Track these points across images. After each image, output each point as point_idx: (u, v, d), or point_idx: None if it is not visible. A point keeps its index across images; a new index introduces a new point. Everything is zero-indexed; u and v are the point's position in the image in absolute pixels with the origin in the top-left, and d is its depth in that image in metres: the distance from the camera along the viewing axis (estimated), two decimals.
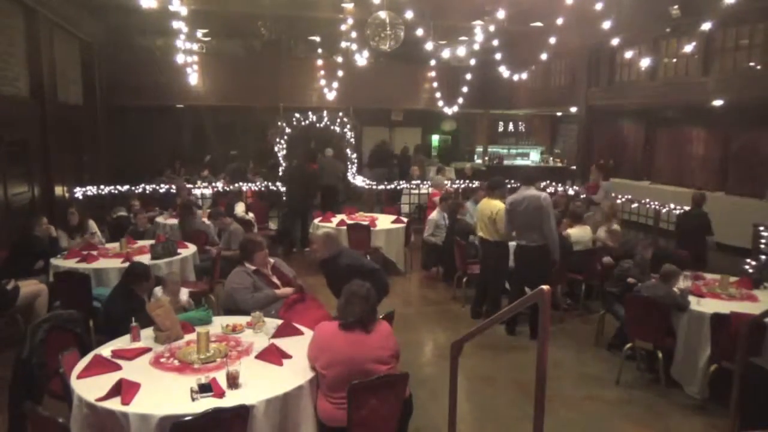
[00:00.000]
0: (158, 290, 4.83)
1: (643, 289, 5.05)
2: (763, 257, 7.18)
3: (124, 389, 2.93)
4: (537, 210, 5.79)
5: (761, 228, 7.41)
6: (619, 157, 14.57)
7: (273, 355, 3.41)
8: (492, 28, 8.81)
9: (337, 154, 13.03)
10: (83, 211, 7.71)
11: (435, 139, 17.93)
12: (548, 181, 11.11)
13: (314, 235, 5.12)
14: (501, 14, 7.40)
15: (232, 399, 2.93)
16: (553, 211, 6.02)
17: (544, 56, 9.43)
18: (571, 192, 11.06)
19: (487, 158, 16.24)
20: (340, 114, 12.75)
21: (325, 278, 5.07)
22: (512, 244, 6.57)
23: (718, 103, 9.66)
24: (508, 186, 7.48)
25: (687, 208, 8.50)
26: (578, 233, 6.84)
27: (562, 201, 8.58)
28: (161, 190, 10.46)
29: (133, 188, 10.42)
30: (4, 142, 7.48)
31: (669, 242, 8.38)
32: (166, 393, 3.01)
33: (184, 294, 4.91)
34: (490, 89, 14.29)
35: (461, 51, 10.42)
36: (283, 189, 10.68)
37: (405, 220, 8.76)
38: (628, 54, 10.62)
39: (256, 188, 11.22)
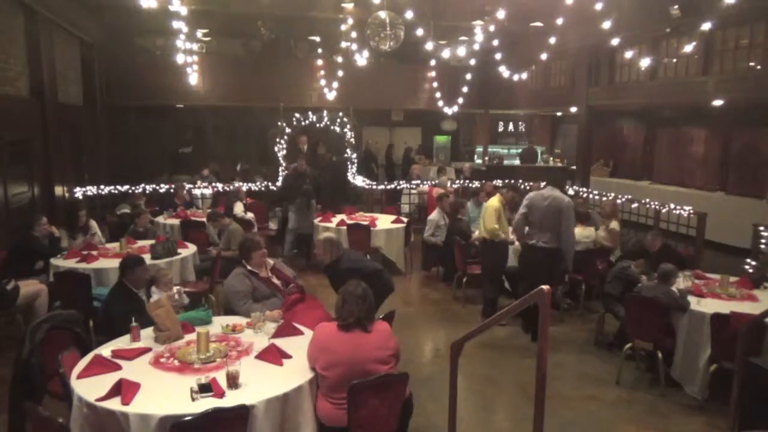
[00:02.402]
0: (155, 289, 4.81)
1: (644, 289, 5.05)
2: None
3: (124, 389, 2.93)
4: (558, 212, 5.74)
5: (761, 228, 7.40)
6: (619, 157, 14.59)
7: (273, 355, 3.41)
8: (492, 28, 8.80)
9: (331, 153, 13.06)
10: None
11: (436, 139, 17.93)
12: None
13: (317, 240, 5.20)
14: (501, 14, 7.39)
15: (232, 399, 2.93)
16: (573, 218, 5.99)
17: (544, 56, 9.43)
18: (571, 192, 11.07)
19: (487, 158, 16.24)
20: (340, 114, 12.74)
21: (331, 284, 5.11)
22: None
23: (718, 103, 9.65)
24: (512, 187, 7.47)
25: (688, 207, 8.52)
26: (581, 233, 6.84)
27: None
28: (161, 190, 10.46)
29: (133, 188, 10.42)
30: (5, 142, 7.48)
31: (669, 242, 8.38)
32: (166, 393, 3.01)
33: (176, 290, 4.90)
34: (490, 89, 14.28)
35: (461, 51, 10.41)
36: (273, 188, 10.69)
37: (405, 220, 8.76)
38: (628, 54, 10.60)
39: (256, 188, 11.22)
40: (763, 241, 7.29)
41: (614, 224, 7.20)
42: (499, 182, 10.94)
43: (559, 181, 6.16)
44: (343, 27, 9.92)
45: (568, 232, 5.83)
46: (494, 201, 6.34)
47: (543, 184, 6.39)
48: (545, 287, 2.59)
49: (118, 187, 10.50)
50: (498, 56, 10.11)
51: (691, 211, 8.36)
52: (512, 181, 7.02)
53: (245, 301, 4.39)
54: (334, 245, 5.02)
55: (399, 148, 16.85)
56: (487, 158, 16.24)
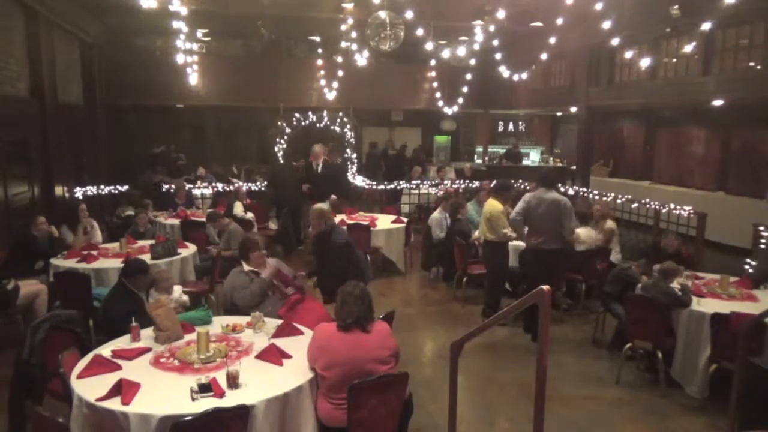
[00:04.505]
0: (155, 292, 4.81)
1: (643, 288, 5.05)
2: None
3: (124, 389, 2.93)
4: (556, 214, 5.73)
5: (761, 228, 7.40)
6: (619, 157, 14.59)
7: (273, 355, 3.41)
8: (492, 28, 8.80)
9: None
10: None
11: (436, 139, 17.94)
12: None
13: (311, 210, 5.55)
14: (501, 14, 7.39)
15: (232, 399, 2.93)
16: (572, 217, 5.96)
17: (544, 56, 9.43)
18: (571, 192, 11.07)
19: (487, 158, 16.25)
20: (340, 114, 12.74)
21: (317, 257, 5.40)
22: (512, 244, 6.60)
23: (718, 103, 9.66)
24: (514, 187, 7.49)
25: (688, 207, 8.51)
26: (585, 234, 6.84)
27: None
28: (161, 190, 10.46)
29: (132, 189, 10.43)
30: (4, 142, 7.48)
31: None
32: (166, 393, 3.01)
33: (177, 291, 4.90)
34: (490, 89, 14.28)
35: (461, 51, 10.41)
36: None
37: (405, 220, 8.76)
38: (628, 54, 10.61)
39: (256, 188, 11.24)
40: (763, 241, 7.28)
41: (609, 223, 7.25)
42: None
43: (551, 181, 6.08)
44: (343, 27, 9.91)
45: (569, 233, 5.82)
46: (496, 204, 6.30)
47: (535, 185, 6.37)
48: (545, 287, 2.59)
49: (118, 187, 10.49)
50: (498, 56, 10.10)
51: (691, 211, 8.36)
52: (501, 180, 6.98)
53: (243, 290, 4.46)
54: (326, 214, 5.30)
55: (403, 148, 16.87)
56: (487, 158, 16.25)
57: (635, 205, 9.69)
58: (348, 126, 12.75)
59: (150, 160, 13.45)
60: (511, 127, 18.16)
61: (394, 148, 16.21)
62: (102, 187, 10.41)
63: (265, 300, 4.52)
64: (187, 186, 10.59)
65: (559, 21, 7.47)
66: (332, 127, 12.63)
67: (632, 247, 6.48)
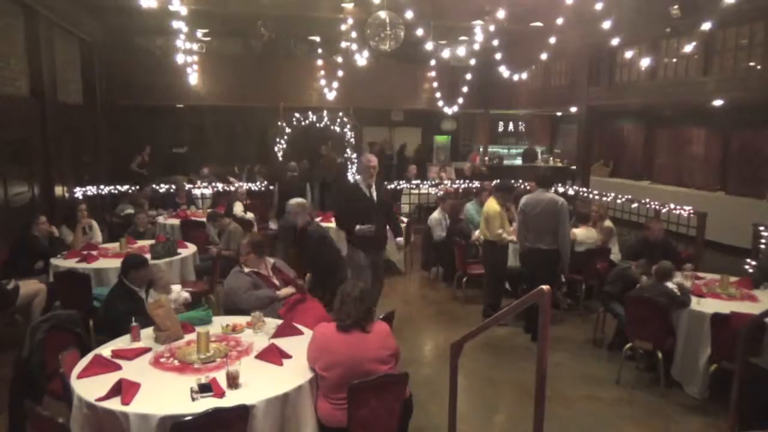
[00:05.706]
0: (153, 291, 4.81)
1: (643, 289, 5.05)
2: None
3: (124, 389, 2.93)
4: (553, 215, 5.77)
5: (761, 228, 7.40)
6: (619, 157, 14.58)
7: (273, 355, 3.41)
8: (492, 28, 8.79)
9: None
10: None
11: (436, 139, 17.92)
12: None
13: (293, 205, 5.89)
14: (501, 14, 7.39)
15: (232, 399, 2.93)
16: (568, 218, 6.01)
17: (544, 56, 9.42)
18: (571, 192, 11.07)
19: (487, 158, 16.25)
20: (340, 114, 12.73)
21: (300, 248, 5.78)
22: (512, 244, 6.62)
23: (718, 103, 9.66)
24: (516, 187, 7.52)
25: (688, 207, 8.51)
26: (584, 234, 6.86)
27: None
28: (161, 190, 10.47)
29: (132, 188, 10.42)
30: (4, 142, 7.47)
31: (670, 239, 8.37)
32: (166, 393, 3.01)
33: (175, 290, 4.90)
34: (490, 89, 14.28)
35: (461, 51, 10.42)
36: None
37: (405, 220, 8.75)
38: (628, 54, 10.61)
39: (256, 188, 11.24)
40: (763, 241, 7.28)
41: (607, 222, 7.30)
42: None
43: (548, 181, 6.15)
44: (343, 27, 9.90)
45: (564, 234, 5.84)
46: (494, 205, 6.32)
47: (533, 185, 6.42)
48: (545, 287, 2.59)
49: (118, 187, 10.49)
50: (498, 56, 10.10)
51: (691, 211, 8.36)
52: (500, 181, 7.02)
53: (248, 293, 4.44)
54: (306, 209, 5.71)
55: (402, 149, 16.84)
56: (487, 158, 16.24)
57: (635, 205, 9.68)
58: (348, 126, 12.74)
59: (169, 160, 13.43)
60: (511, 127, 18.15)
61: (391, 149, 16.21)
62: (102, 187, 10.41)
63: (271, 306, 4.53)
64: (187, 186, 10.60)
65: (559, 21, 7.47)
66: (332, 127, 12.62)
67: (628, 248, 6.49)
